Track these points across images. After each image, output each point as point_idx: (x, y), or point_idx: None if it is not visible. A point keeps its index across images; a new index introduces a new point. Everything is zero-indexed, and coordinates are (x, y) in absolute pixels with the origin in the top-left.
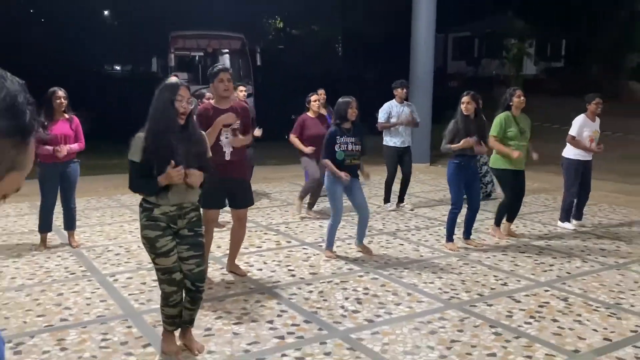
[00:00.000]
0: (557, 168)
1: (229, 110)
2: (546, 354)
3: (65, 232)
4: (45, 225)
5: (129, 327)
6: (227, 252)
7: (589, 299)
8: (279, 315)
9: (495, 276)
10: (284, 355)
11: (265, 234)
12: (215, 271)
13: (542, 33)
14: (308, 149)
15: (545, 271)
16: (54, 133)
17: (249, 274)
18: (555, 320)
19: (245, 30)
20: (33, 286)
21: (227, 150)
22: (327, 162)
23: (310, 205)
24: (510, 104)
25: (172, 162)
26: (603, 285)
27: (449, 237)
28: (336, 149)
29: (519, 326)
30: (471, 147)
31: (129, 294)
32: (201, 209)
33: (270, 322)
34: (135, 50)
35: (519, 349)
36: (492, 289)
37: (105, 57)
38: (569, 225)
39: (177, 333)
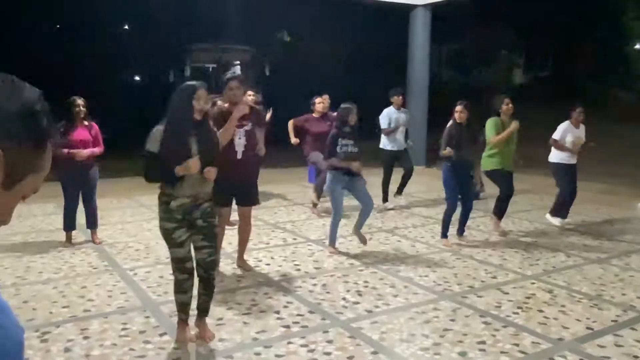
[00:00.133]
0: (544, 170)
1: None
2: (532, 342)
3: (89, 231)
4: (69, 225)
5: (147, 317)
6: (238, 248)
7: (572, 291)
8: (285, 306)
9: (485, 270)
10: (289, 342)
11: (273, 231)
12: (227, 266)
13: (530, 44)
14: (295, 140)
15: (532, 265)
16: (74, 139)
17: (258, 268)
18: (541, 311)
19: (255, 43)
20: (59, 280)
21: (240, 150)
22: (334, 159)
23: (315, 204)
24: (499, 110)
25: (191, 152)
26: (586, 278)
27: (444, 234)
28: (337, 150)
29: (507, 316)
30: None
31: (147, 287)
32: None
33: (277, 312)
34: (154, 62)
35: (507, 337)
36: (482, 281)
37: (126, 69)
38: (556, 221)
39: (191, 323)
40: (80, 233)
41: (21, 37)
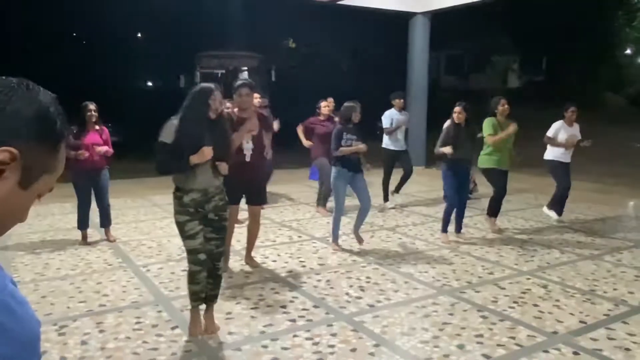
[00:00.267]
0: (539, 170)
1: (249, 118)
2: (528, 335)
3: (103, 229)
4: (82, 224)
5: (159, 311)
6: (246, 245)
7: (566, 286)
8: (291, 301)
9: (482, 266)
10: (295, 336)
11: (279, 229)
12: (236, 262)
13: (525, 50)
14: (307, 143)
15: (527, 261)
16: (86, 142)
17: (265, 265)
18: (536, 305)
19: (261, 50)
20: (75, 276)
21: (248, 153)
22: (342, 148)
23: (320, 203)
24: (496, 111)
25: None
26: (579, 274)
27: (444, 229)
28: (342, 144)
29: (504, 310)
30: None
31: (160, 282)
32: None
33: (284, 307)
34: (165, 68)
35: (503, 330)
36: (479, 277)
37: (139, 75)
38: (553, 215)
39: (202, 312)
40: (96, 231)
41: (39, 44)
